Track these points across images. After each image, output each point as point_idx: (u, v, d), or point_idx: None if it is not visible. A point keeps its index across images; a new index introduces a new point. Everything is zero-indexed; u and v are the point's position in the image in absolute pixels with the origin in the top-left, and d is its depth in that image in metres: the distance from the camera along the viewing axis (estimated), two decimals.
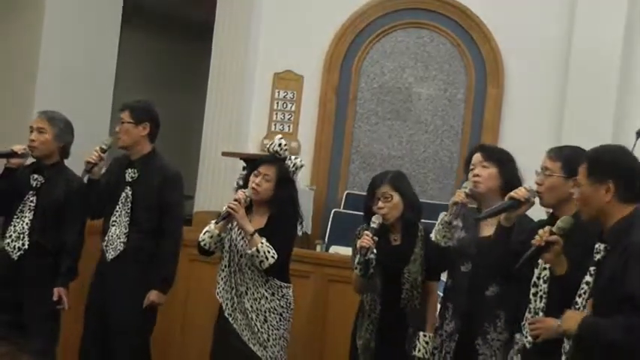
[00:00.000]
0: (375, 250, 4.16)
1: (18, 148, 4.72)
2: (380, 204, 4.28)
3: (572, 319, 3.14)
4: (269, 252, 4.26)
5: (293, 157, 4.44)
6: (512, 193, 3.67)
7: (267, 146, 4.43)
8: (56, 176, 4.76)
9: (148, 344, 4.74)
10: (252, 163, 4.50)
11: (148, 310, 4.64)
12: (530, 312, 3.53)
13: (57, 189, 4.72)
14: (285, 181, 4.39)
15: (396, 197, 4.29)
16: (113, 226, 4.62)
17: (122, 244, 4.60)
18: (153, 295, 4.63)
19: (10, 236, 4.69)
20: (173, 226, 4.70)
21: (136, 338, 4.65)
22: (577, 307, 3.20)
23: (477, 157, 4.08)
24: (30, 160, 4.83)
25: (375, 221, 4.25)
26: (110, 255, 4.62)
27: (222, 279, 4.39)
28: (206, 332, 4.93)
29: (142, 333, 4.68)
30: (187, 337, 5.56)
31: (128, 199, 4.63)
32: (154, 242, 4.66)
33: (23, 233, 4.67)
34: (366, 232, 4.21)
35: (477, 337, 3.92)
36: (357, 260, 4.21)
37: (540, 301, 3.50)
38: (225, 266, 4.38)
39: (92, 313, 4.69)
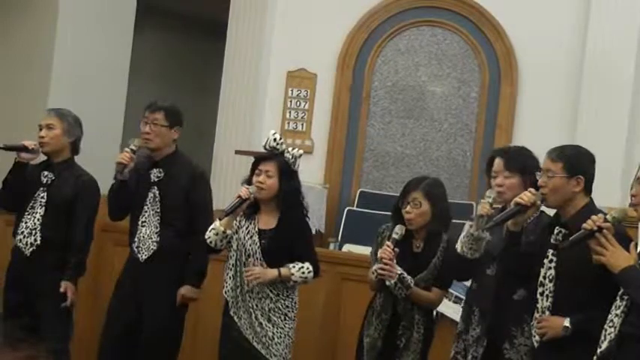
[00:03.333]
0: (397, 276, 4.14)
1: (29, 143, 4.74)
2: (408, 208, 4.25)
3: (621, 260, 3.22)
4: (303, 272, 4.32)
5: (290, 149, 4.41)
6: (517, 199, 3.65)
7: (263, 144, 4.41)
8: (66, 173, 4.77)
9: (179, 346, 4.74)
10: (253, 163, 4.48)
11: (180, 310, 4.65)
12: (537, 311, 3.55)
13: (67, 185, 4.74)
14: (289, 173, 4.37)
15: (426, 206, 4.24)
16: (143, 226, 4.62)
17: (155, 244, 4.60)
18: (183, 290, 4.64)
19: (22, 232, 4.71)
20: (205, 224, 4.65)
21: (170, 339, 4.65)
22: (625, 297, 3.23)
23: (499, 164, 4.00)
24: (41, 158, 4.84)
25: (398, 232, 4.21)
26: (143, 255, 4.61)
27: (230, 277, 4.38)
28: (218, 331, 4.94)
29: (176, 334, 4.69)
30: (199, 336, 5.56)
31: (156, 199, 4.63)
32: (186, 241, 4.67)
33: (35, 229, 4.69)
34: (387, 242, 4.19)
35: (504, 342, 3.88)
36: (374, 267, 4.21)
37: (547, 300, 3.51)
38: (233, 265, 4.38)
39: (121, 314, 4.66)
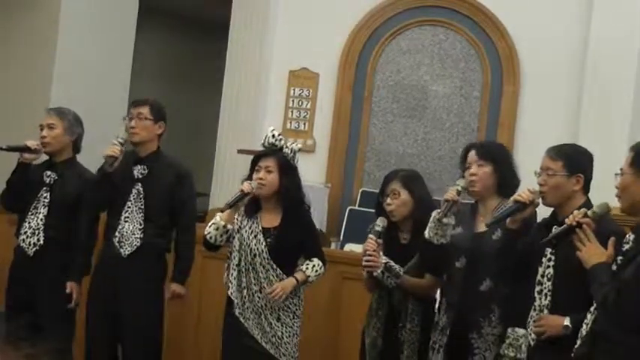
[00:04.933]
0: (384, 265, 4.16)
1: (31, 143, 4.74)
2: (388, 200, 4.27)
3: (594, 257, 3.21)
4: (317, 270, 4.33)
5: (289, 143, 4.39)
6: (516, 196, 3.67)
7: (262, 141, 4.39)
8: (69, 172, 4.77)
9: (161, 341, 4.76)
10: (252, 160, 4.46)
11: (159, 305, 4.68)
12: (535, 310, 3.55)
13: (70, 185, 4.74)
14: (288, 168, 4.34)
15: (405, 195, 4.26)
16: (126, 222, 4.62)
17: (138, 240, 4.61)
18: (176, 287, 4.68)
19: (25, 232, 4.71)
20: (188, 221, 4.74)
21: (153, 334, 4.67)
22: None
23: (472, 155, 4.06)
24: (42, 159, 4.85)
25: (380, 224, 4.24)
26: (126, 251, 4.61)
27: (234, 278, 4.33)
28: (220, 330, 4.93)
29: (158, 328, 4.71)
30: (201, 335, 5.56)
31: (140, 196, 4.63)
32: (166, 238, 4.72)
33: (38, 229, 4.68)
34: (369, 235, 4.21)
35: (471, 332, 3.94)
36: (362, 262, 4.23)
37: (545, 299, 3.52)
38: (237, 265, 4.34)
39: (103, 309, 4.66)
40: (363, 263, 4.18)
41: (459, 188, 4.01)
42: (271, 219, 4.35)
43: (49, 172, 4.77)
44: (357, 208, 7.41)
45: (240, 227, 4.34)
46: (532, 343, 3.56)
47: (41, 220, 4.69)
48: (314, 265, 4.33)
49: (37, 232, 4.69)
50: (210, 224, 4.33)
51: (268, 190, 4.31)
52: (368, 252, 4.16)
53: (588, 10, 7.47)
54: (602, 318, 3.15)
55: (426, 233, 4.05)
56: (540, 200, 3.66)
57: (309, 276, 4.31)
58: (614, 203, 3.41)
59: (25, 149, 4.73)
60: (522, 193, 3.66)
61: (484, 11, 7.81)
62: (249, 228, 4.33)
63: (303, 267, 4.31)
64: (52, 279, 4.66)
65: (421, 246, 4.13)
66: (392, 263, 4.18)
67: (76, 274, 4.70)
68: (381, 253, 4.19)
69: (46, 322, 4.61)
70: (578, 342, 3.23)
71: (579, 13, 7.53)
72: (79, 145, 4.85)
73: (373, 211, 6.88)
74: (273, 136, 4.33)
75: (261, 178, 4.29)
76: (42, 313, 4.65)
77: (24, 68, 8.01)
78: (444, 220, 3.99)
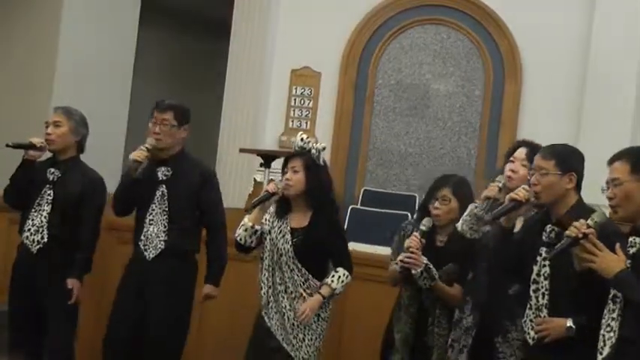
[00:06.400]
0: (424, 266, 4.17)
1: (36, 140, 4.73)
2: (437, 204, 4.28)
3: (613, 264, 3.18)
4: (342, 281, 4.30)
5: (314, 144, 4.38)
6: (513, 195, 3.67)
7: (293, 147, 4.42)
8: (72, 171, 4.77)
9: (184, 343, 4.74)
10: (283, 164, 4.47)
11: (187, 307, 4.68)
12: (531, 308, 3.54)
13: (73, 183, 4.73)
14: (315, 167, 4.33)
15: (454, 202, 4.27)
16: (151, 224, 4.61)
17: (162, 243, 4.59)
18: (207, 289, 4.66)
19: (29, 230, 4.70)
20: (220, 222, 4.73)
21: (175, 338, 4.65)
22: (618, 299, 3.21)
23: (521, 152, 4.04)
24: (46, 156, 4.85)
25: (426, 224, 4.24)
26: (151, 254, 4.59)
27: (266, 279, 4.34)
28: (223, 329, 4.94)
29: (181, 332, 4.68)
30: (204, 334, 5.57)
31: (165, 198, 4.61)
32: (192, 239, 4.69)
33: (42, 227, 4.68)
34: (414, 233, 4.22)
35: (497, 335, 3.91)
36: (399, 257, 4.22)
37: (543, 298, 3.51)
38: (268, 266, 4.34)
39: (126, 314, 4.63)
40: (404, 259, 4.17)
41: (500, 185, 4.00)
42: (300, 219, 4.35)
43: (52, 170, 4.76)
44: (359, 207, 7.41)
45: (270, 228, 4.35)
46: (531, 342, 3.56)
47: (45, 217, 4.69)
48: (340, 277, 4.30)
49: (40, 229, 4.69)
50: (240, 226, 4.34)
51: (295, 190, 4.31)
52: (411, 249, 4.16)
53: (590, 9, 7.48)
54: (633, 322, 3.13)
55: (459, 226, 4.05)
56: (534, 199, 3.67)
57: (335, 289, 4.28)
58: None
59: (30, 146, 4.73)
60: (518, 191, 3.66)
61: (486, 10, 7.82)
62: (278, 228, 4.33)
63: (329, 280, 4.29)
64: (55, 277, 4.65)
65: (452, 237, 4.15)
66: (431, 266, 4.18)
67: (76, 272, 4.70)
68: (420, 253, 4.20)
69: (50, 320, 4.62)
70: (607, 350, 3.21)
71: (581, 11, 7.54)
72: (83, 146, 4.84)
73: (376, 209, 6.96)
74: (302, 139, 4.36)
75: (288, 179, 4.31)
76: (45, 311, 4.66)
77: (25, 67, 8.03)
78: (485, 216, 3.97)
